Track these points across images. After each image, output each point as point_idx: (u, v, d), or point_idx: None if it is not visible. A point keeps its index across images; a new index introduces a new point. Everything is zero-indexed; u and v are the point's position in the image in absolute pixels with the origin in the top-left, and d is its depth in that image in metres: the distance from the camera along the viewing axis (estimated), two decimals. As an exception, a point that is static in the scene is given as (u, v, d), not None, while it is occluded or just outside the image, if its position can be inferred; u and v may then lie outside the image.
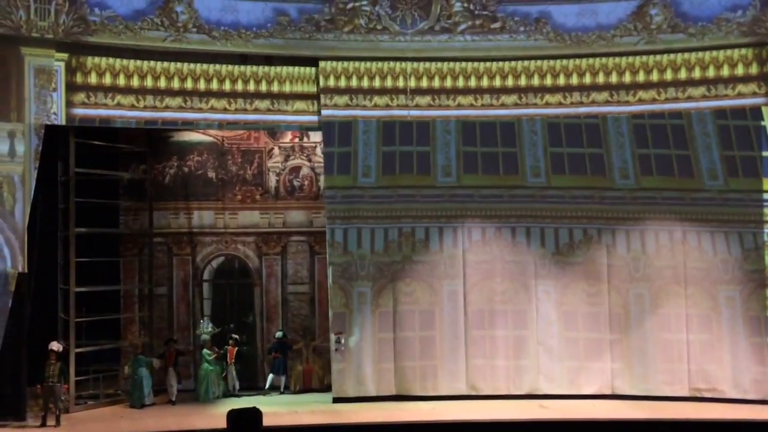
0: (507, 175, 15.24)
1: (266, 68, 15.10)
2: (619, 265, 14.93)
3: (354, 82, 15.23)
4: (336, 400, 14.82)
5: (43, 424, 13.35)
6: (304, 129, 16.20)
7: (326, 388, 16.05)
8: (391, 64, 15.25)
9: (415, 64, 15.25)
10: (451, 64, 15.27)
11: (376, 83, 15.28)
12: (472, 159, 15.36)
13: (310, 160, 17.01)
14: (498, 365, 15.00)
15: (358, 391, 14.90)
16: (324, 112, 15.19)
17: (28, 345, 13.93)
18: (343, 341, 14.96)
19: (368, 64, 15.21)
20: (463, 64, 15.26)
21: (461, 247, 15.18)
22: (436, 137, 15.34)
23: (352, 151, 15.36)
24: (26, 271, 13.82)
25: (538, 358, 14.93)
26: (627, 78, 15.01)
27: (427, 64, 15.27)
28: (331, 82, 15.25)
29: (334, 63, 15.18)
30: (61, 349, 13.87)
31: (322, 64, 15.13)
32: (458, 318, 15.08)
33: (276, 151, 17.03)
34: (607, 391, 14.70)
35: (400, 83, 15.28)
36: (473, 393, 14.88)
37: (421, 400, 14.67)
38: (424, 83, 15.29)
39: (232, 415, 7.42)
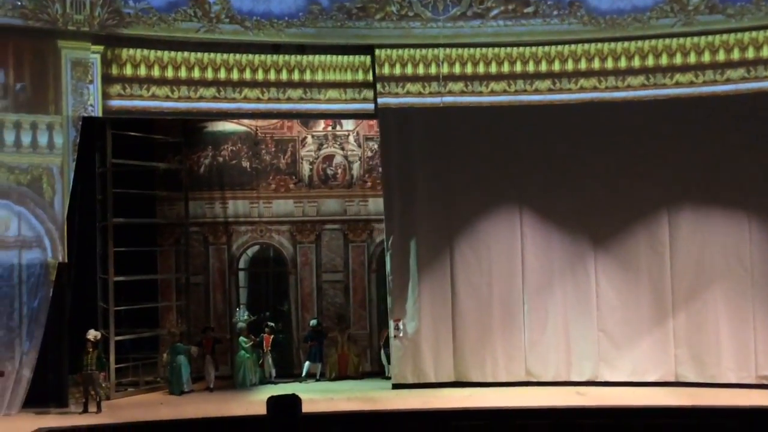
0: (555, 158, 14.87)
1: (298, 57, 15.13)
2: (681, 249, 14.56)
3: (386, 70, 15.17)
4: (396, 387, 14.84)
5: (85, 411, 13.61)
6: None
7: (361, 376, 16.18)
8: (423, 51, 15.17)
9: (448, 50, 15.15)
10: (484, 49, 15.11)
11: (408, 70, 15.20)
12: (521, 141, 15.06)
13: (343, 149, 17.04)
14: (558, 351, 14.79)
15: (417, 378, 14.89)
16: (380, 100, 15.00)
17: (69, 333, 14.20)
18: (402, 328, 14.92)
19: (400, 51, 15.15)
20: (496, 49, 15.10)
21: (518, 230, 14.99)
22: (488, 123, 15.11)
23: (405, 137, 15.19)
24: (66, 261, 14.08)
25: (599, 345, 14.69)
26: (663, 61, 14.71)
27: (460, 50, 15.15)
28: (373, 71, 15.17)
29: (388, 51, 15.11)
30: (99, 337, 14.13)
31: (377, 52, 15.00)
32: (516, 304, 14.93)
33: (309, 140, 17.08)
34: (671, 378, 14.41)
35: (432, 70, 15.21)
36: (532, 380, 14.76)
37: (479, 386, 14.59)
38: (457, 69, 15.17)
39: (272, 401, 7.56)
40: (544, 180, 14.95)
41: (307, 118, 16.49)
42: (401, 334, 14.93)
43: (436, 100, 15.17)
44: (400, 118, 15.17)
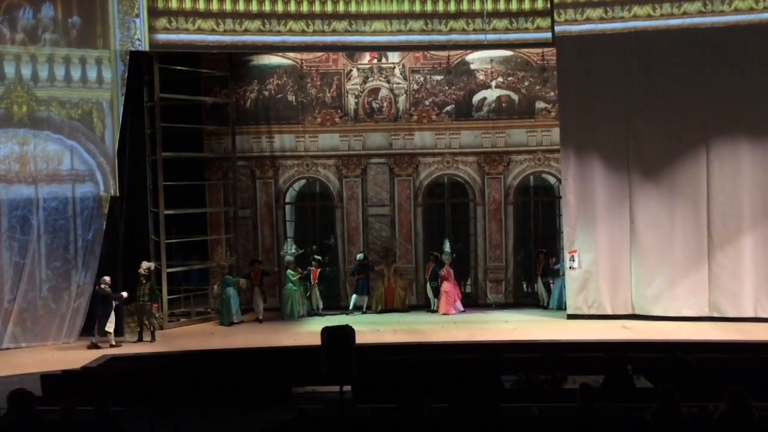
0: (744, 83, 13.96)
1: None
2: None
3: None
4: (570, 317, 14.79)
5: (140, 340, 14.04)
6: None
7: (407, 309, 16.34)
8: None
9: None
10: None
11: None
12: (709, 67, 14.11)
13: (389, 82, 16.85)
14: (744, 286, 14.20)
15: (593, 310, 14.76)
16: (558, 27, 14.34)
17: (123, 265, 14.55)
18: (577, 259, 14.78)
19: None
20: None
21: (704, 160, 14.22)
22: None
23: (583, 65, 14.65)
24: (118, 194, 14.33)
25: None
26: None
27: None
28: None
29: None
30: (152, 268, 14.45)
31: None
32: (701, 235, 14.31)
33: (354, 73, 16.91)
34: None
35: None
36: (716, 315, 14.26)
37: (658, 320, 14.32)
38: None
39: (327, 331, 7.69)
40: (733, 106, 14.04)
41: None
42: (576, 266, 14.76)
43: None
44: (579, 46, 14.59)
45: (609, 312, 14.71)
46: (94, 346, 13.37)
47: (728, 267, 14.29)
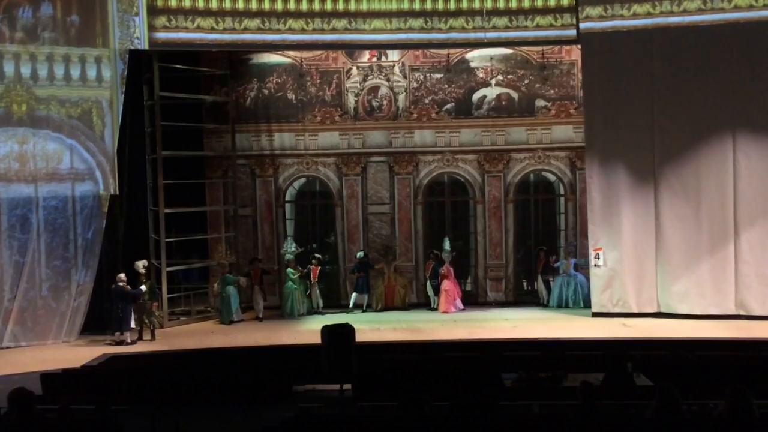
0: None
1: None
2: None
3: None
4: (595, 315, 14.70)
5: (140, 338, 14.03)
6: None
7: (407, 307, 16.34)
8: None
9: None
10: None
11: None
12: (736, 63, 14.04)
13: (388, 80, 16.85)
14: None
15: (618, 308, 14.65)
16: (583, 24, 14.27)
17: (124, 264, 14.55)
18: (602, 257, 14.71)
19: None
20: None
21: (731, 157, 14.11)
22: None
23: (608, 62, 14.54)
24: (118, 193, 14.34)
25: None
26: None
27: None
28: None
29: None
30: (146, 265, 14.48)
31: None
32: (727, 232, 14.19)
33: (354, 71, 16.91)
34: None
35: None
36: (743, 313, 14.15)
37: (684, 318, 14.21)
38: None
39: (327, 330, 7.70)
40: (761, 102, 13.94)
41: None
42: (601, 264, 14.66)
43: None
44: (604, 43, 14.50)
45: (634, 310, 14.60)
46: (119, 342, 13.53)
47: (755, 264, 14.18)
